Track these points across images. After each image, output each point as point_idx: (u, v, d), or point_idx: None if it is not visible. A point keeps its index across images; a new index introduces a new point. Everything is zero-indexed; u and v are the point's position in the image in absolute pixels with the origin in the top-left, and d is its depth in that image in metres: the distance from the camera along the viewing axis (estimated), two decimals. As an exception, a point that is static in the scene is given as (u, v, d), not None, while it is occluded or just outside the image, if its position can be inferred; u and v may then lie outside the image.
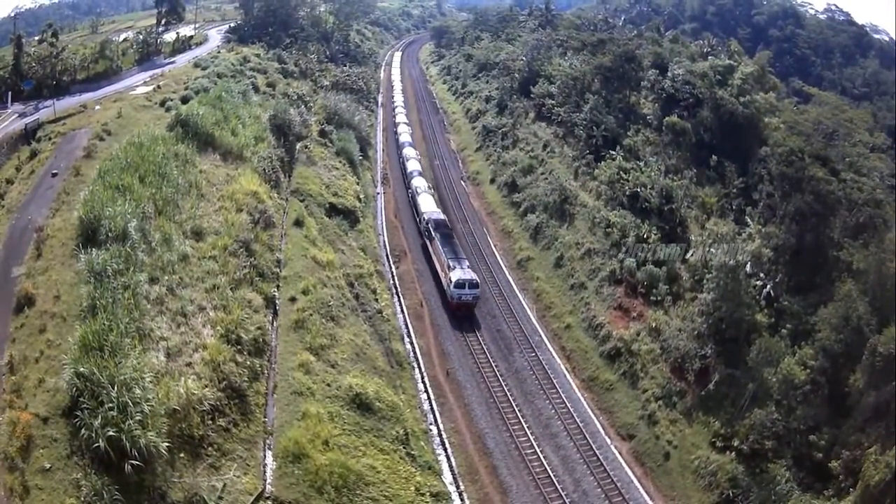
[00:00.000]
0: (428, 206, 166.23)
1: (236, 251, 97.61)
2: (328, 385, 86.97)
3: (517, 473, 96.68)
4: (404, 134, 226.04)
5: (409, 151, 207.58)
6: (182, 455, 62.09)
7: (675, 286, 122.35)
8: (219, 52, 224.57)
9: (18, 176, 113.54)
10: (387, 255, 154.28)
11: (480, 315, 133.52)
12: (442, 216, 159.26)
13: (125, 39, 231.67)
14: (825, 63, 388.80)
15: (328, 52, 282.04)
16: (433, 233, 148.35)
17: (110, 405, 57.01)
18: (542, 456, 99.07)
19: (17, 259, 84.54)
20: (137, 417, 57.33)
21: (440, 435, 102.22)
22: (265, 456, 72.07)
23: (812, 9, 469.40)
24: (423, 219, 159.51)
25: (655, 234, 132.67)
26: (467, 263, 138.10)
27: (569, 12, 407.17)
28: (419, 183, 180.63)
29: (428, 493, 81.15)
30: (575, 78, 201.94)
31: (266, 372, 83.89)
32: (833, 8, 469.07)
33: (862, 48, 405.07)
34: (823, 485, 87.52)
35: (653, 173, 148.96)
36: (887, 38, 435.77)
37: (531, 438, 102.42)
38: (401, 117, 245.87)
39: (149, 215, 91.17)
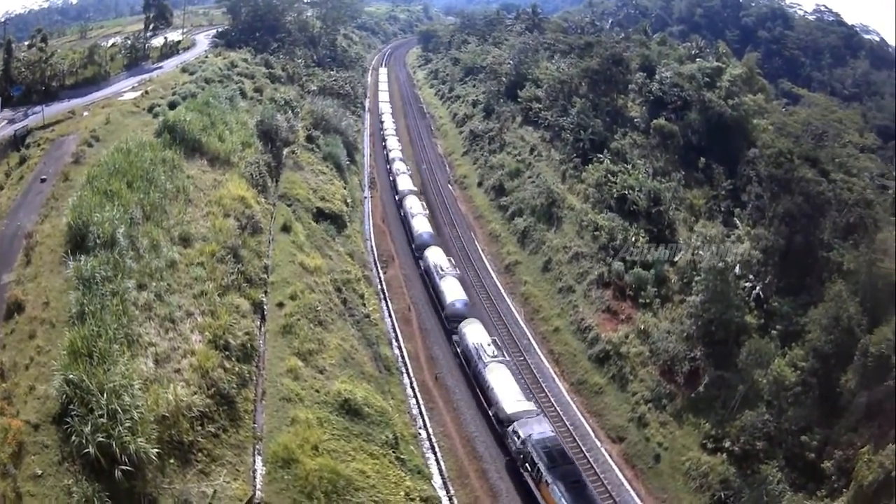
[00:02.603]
0: (507, 389, 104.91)
1: (224, 257, 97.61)
2: (317, 390, 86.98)
3: (507, 477, 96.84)
4: (406, 190, 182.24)
5: (420, 228, 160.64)
6: (172, 461, 62.15)
7: (664, 289, 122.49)
8: (206, 57, 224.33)
9: (7, 182, 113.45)
10: (374, 259, 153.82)
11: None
12: (550, 431, 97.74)
13: (113, 44, 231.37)
14: (815, 64, 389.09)
15: (315, 57, 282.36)
16: (545, 473, 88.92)
17: (100, 412, 57.07)
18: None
19: (6, 265, 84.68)
20: (127, 424, 57.38)
21: (430, 439, 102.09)
22: (255, 461, 72.08)
23: (801, 10, 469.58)
24: (516, 435, 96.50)
25: (643, 237, 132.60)
26: None
27: (556, 15, 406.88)
28: (477, 338, 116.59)
29: (418, 498, 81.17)
30: (562, 81, 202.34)
31: (254, 378, 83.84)
32: (822, 8, 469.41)
33: (852, 49, 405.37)
34: (816, 485, 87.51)
35: (640, 176, 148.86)
36: (878, 39, 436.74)
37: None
38: (395, 152, 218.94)
39: (137, 221, 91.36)
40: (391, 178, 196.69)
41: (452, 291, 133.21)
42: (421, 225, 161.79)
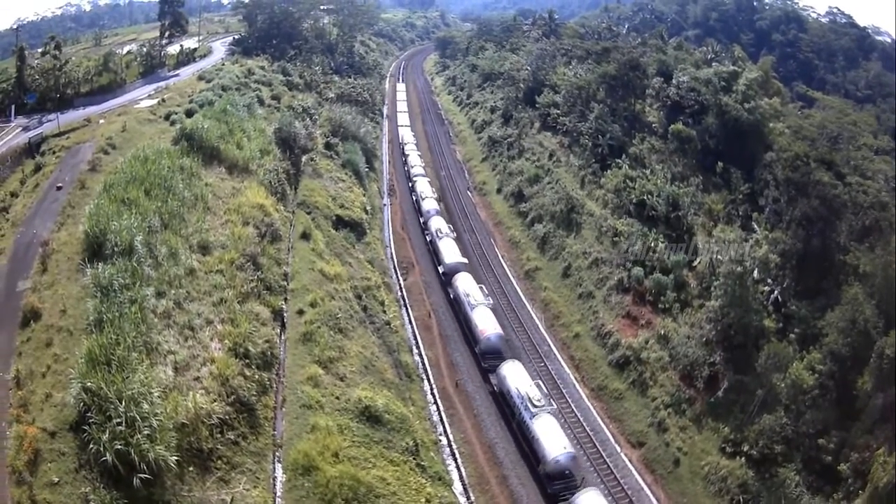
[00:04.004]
0: None
1: (243, 265, 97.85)
2: (337, 398, 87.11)
3: (528, 483, 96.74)
4: (454, 263, 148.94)
5: (485, 325, 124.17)
6: (191, 469, 62.35)
7: (683, 293, 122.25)
8: (223, 64, 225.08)
9: (23, 189, 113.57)
10: (394, 266, 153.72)
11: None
12: None
13: (129, 52, 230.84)
14: (828, 66, 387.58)
15: (332, 64, 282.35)
16: None
17: (118, 420, 57.17)
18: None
19: (22, 273, 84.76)
20: (146, 432, 57.64)
21: (450, 446, 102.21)
22: (275, 469, 72.39)
23: (814, 12, 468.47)
24: None
25: (663, 242, 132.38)
26: None
27: (572, 21, 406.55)
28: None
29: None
30: (580, 87, 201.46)
31: (275, 385, 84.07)
32: (835, 11, 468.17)
33: (864, 50, 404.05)
34: (833, 488, 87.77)
35: (659, 181, 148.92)
36: (889, 40, 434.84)
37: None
38: (420, 179, 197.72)
39: (155, 229, 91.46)
40: (416, 205, 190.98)
41: (552, 440, 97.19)
42: (485, 322, 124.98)
